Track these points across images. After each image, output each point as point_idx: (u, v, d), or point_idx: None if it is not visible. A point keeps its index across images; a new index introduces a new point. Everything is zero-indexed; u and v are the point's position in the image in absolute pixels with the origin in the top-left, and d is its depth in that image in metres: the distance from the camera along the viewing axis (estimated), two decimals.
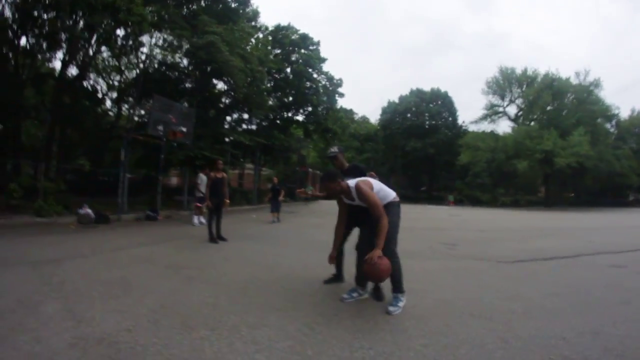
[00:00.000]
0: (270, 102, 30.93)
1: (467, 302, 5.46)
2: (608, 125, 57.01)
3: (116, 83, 28.37)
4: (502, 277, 7.35)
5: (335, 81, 40.37)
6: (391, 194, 5.49)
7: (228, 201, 11.61)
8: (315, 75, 38.50)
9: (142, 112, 26.38)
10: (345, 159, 6.65)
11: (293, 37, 36.39)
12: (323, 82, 39.22)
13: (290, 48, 36.53)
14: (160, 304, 4.95)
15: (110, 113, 30.51)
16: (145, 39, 23.18)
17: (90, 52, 22.34)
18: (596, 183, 56.77)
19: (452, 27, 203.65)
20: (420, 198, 58.74)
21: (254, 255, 8.88)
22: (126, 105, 28.52)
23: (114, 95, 28.54)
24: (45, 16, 17.36)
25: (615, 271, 8.20)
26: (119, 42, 21.96)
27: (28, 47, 19.28)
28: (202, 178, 14.96)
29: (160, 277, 6.45)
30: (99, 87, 27.40)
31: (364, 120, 78.28)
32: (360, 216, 5.50)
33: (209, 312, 4.73)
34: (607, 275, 7.75)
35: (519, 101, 59.31)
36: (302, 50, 36.90)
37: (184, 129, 18.79)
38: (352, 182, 5.24)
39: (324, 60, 38.62)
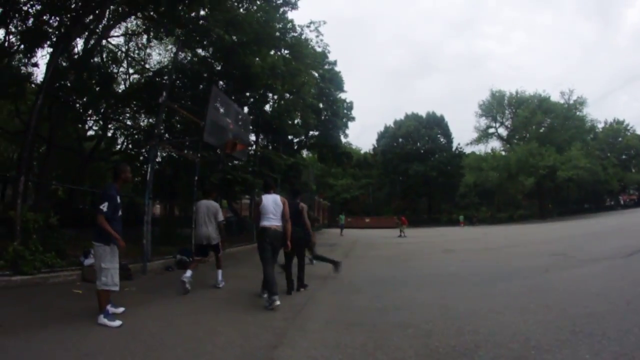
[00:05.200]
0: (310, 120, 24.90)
1: None
2: (588, 138, 58.03)
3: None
4: None
5: (346, 103, 34.77)
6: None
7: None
8: (337, 96, 33.21)
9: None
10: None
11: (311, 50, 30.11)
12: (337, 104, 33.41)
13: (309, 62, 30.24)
14: None
15: (91, 131, 25.72)
16: None
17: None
18: (579, 192, 58.29)
19: (435, 49, 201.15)
20: (421, 221, 53.72)
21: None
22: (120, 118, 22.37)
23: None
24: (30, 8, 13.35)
25: None
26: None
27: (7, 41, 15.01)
28: (206, 206, 8.04)
29: None
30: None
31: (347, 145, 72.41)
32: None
33: None
34: None
35: (507, 122, 59.79)
36: (320, 70, 30.89)
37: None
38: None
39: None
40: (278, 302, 6.04)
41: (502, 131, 60.49)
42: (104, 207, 5.21)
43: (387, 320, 5.21)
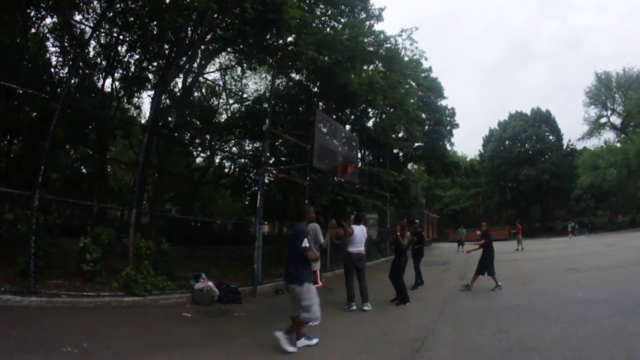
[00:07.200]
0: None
1: None
2: None
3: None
4: None
5: (448, 110, 32.71)
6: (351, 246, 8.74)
7: None
8: (438, 104, 31.40)
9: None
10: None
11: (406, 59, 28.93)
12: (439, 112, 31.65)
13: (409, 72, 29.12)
14: None
15: (200, 158, 27.35)
16: None
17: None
18: None
19: (529, 33, 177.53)
20: (533, 231, 47.35)
21: None
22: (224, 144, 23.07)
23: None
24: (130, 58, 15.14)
25: None
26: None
27: (113, 89, 17.29)
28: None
29: None
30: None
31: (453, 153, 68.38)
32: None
33: None
34: None
35: (619, 108, 49.33)
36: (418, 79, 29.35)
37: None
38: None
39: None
40: (354, 307, 8.29)
41: (615, 119, 50.82)
42: (305, 243, 5.56)
43: None
